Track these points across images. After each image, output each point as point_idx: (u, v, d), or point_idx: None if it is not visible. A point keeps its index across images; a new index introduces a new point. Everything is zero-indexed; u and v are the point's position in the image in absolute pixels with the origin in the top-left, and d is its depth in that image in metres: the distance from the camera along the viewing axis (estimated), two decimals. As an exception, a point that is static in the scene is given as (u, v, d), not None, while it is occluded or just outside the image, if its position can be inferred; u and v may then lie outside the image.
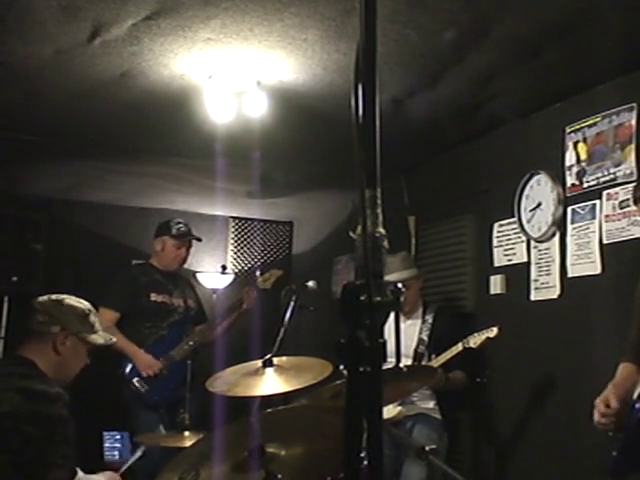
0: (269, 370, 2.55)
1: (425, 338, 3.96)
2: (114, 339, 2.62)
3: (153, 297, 4.38)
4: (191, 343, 4.30)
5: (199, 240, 4.75)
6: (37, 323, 2.34)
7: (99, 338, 2.46)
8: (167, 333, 4.36)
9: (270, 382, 2.53)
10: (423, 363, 3.87)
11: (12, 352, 2.45)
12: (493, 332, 3.53)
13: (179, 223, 4.56)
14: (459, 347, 3.64)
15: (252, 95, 3.51)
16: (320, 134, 4.25)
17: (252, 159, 4.33)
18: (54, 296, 2.42)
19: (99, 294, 4.23)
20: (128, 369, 4.23)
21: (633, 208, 2.96)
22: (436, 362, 3.76)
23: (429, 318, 4.02)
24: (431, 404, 3.93)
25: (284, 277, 4.60)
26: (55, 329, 2.34)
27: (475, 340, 3.57)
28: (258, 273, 4.58)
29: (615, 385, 2.64)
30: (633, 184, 3.13)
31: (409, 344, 3.94)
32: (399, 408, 3.76)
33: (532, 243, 3.86)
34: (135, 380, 4.20)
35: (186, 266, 4.80)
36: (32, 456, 2.10)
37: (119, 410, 4.18)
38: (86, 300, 2.50)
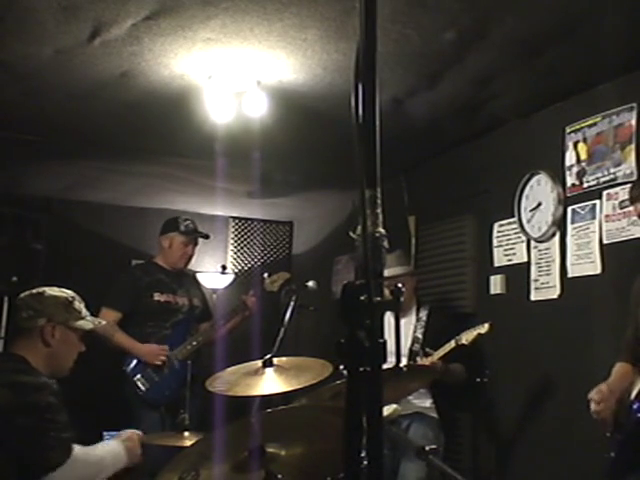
0: (269, 370, 2.55)
1: (419, 336, 3.97)
2: (103, 322, 2.58)
3: (156, 297, 4.37)
4: (194, 343, 4.29)
5: (206, 237, 4.76)
6: (23, 319, 2.34)
7: (88, 323, 2.43)
8: (170, 333, 4.34)
9: (270, 382, 2.53)
10: (418, 360, 3.86)
11: (4, 351, 2.45)
12: (484, 328, 3.53)
13: (186, 220, 4.56)
14: (452, 344, 3.64)
15: (252, 95, 3.51)
16: (320, 134, 4.24)
17: (252, 159, 4.33)
18: (35, 290, 2.40)
19: (100, 294, 4.23)
20: (130, 367, 4.22)
21: (632, 208, 2.96)
22: (431, 359, 3.75)
23: (423, 316, 4.03)
24: (427, 403, 3.93)
25: (291, 280, 4.57)
26: (41, 322, 2.32)
27: (467, 337, 3.58)
28: (266, 275, 4.56)
29: (610, 384, 2.65)
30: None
31: (404, 343, 3.93)
32: (394, 406, 3.74)
33: (532, 243, 3.86)
34: (137, 378, 4.20)
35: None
36: (26, 445, 2.12)
37: (120, 409, 4.18)
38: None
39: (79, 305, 2.43)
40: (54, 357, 2.33)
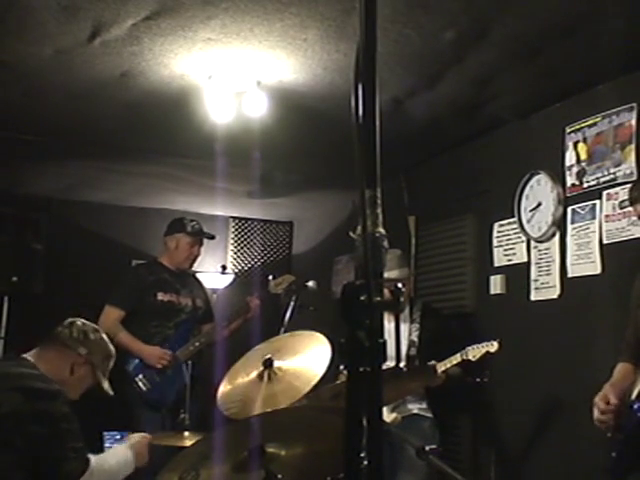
0: (268, 380, 2.52)
1: (415, 339, 3.94)
2: (111, 392, 2.64)
3: (160, 296, 4.37)
4: (197, 344, 4.27)
5: (212, 238, 4.76)
6: (69, 336, 2.42)
7: (105, 383, 2.55)
8: (173, 333, 4.34)
9: (272, 397, 2.49)
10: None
11: (15, 352, 2.48)
12: (494, 347, 3.48)
13: (193, 221, 4.57)
14: (457, 358, 3.60)
15: (252, 95, 3.51)
16: (320, 134, 4.24)
17: (252, 159, 4.33)
18: (95, 326, 2.56)
19: (100, 294, 4.23)
20: (131, 367, 4.21)
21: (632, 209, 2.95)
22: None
23: (417, 317, 4.00)
24: (423, 404, 3.93)
25: (295, 282, 4.52)
26: (82, 351, 2.42)
27: (474, 353, 3.53)
28: (271, 277, 4.54)
29: (613, 384, 2.65)
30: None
31: (401, 347, 3.91)
32: (394, 415, 3.75)
33: (532, 243, 3.86)
34: (138, 378, 4.19)
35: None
36: (41, 454, 2.12)
37: (121, 409, 4.17)
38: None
39: (111, 365, 2.58)
40: (67, 385, 2.37)
